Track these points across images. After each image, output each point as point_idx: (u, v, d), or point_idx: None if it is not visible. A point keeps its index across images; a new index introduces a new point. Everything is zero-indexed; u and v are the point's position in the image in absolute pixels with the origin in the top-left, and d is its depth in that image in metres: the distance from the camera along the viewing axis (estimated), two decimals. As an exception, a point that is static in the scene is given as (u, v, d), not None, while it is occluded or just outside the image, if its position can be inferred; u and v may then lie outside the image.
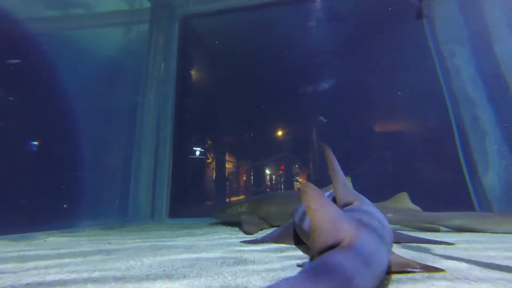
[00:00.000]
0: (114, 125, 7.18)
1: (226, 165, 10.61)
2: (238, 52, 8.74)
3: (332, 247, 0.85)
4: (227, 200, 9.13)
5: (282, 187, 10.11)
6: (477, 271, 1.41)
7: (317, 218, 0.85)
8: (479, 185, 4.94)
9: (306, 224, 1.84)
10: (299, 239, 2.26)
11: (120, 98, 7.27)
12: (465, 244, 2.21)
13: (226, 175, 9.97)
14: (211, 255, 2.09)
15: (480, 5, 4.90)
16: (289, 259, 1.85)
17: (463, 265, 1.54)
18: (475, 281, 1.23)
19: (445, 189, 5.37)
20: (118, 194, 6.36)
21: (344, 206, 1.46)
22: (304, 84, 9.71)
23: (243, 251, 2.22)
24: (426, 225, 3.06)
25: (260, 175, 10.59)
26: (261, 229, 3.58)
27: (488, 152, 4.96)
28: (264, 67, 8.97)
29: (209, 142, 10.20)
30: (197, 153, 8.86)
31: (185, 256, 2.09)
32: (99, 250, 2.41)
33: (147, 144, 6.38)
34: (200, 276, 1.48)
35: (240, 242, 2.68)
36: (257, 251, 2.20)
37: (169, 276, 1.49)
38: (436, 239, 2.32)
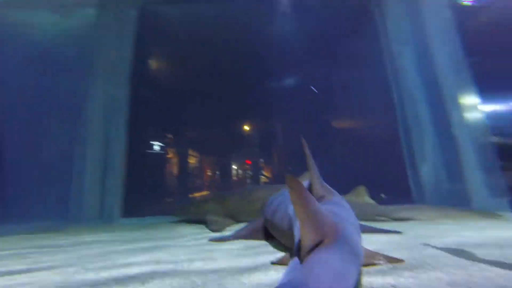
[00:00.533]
0: (53, 116, 6.18)
1: (190, 160, 10.16)
2: (204, 44, 8.32)
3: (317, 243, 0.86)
4: (191, 196, 8.77)
5: (249, 182, 10.14)
6: (431, 259, 1.54)
7: (306, 217, 0.85)
8: (416, 177, 5.52)
9: (281, 219, 1.80)
10: (269, 234, 2.23)
11: (60, 88, 6.26)
12: (412, 233, 2.40)
13: (190, 170, 9.55)
14: (175, 257, 1.91)
15: (423, 11, 5.46)
16: (262, 256, 1.79)
17: (416, 253, 1.66)
18: (433, 270, 1.33)
19: (389, 180, 5.96)
20: (59, 193, 5.48)
21: (319, 199, 1.46)
22: (269, 79, 9.77)
23: (212, 250, 2.10)
24: (379, 217, 3.33)
25: (226, 170, 10.43)
26: (228, 226, 3.48)
27: (424, 147, 5.57)
28: (230, 60, 8.73)
29: (172, 136, 9.62)
30: (159, 147, 8.26)
31: (143, 258, 1.88)
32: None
33: (94, 136, 5.63)
34: (163, 285, 1.31)
35: (208, 241, 2.55)
36: (227, 249, 2.10)
37: (124, 285, 1.30)
38: (387, 228, 2.51)
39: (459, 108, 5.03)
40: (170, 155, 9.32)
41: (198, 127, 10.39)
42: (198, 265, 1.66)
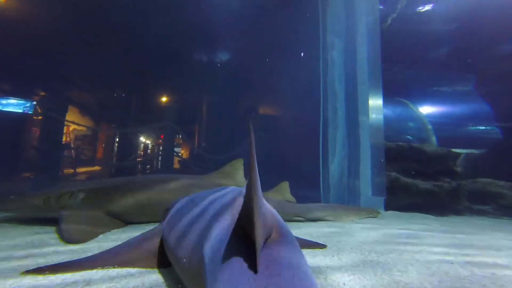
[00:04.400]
0: None
1: (72, 128, 7.45)
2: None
3: None
4: (64, 180, 6.35)
5: (159, 163, 8.32)
6: None
7: None
8: (327, 172, 5.54)
9: (186, 252, 0.89)
10: (166, 259, 1.25)
11: None
12: (334, 246, 1.97)
13: (66, 141, 6.89)
14: None
15: (357, 8, 5.54)
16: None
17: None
18: None
19: (304, 174, 5.97)
20: None
21: (265, 244, 0.65)
22: (194, 47, 8.25)
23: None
24: (295, 218, 3.09)
25: (127, 146, 8.22)
26: (102, 233, 2.14)
27: (336, 143, 5.76)
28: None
29: (42, 93, 6.66)
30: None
31: None
32: None
33: None
34: None
35: (23, 273, 1.26)
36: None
37: None
38: (312, 241, 2.02)
39: (367, 108, 5.25)
40: (36, 118, 6.46)
41: (87, 85, 7.67)
42: None
